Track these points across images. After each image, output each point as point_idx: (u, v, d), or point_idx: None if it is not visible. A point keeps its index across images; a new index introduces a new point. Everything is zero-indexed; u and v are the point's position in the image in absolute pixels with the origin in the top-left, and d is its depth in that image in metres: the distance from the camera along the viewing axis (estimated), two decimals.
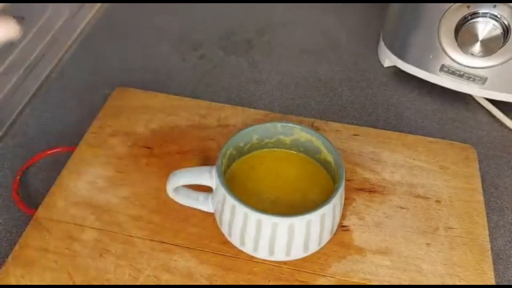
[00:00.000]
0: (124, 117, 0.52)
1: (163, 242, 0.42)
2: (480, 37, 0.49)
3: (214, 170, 0.40)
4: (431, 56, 0.55)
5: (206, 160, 0.49)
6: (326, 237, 0.41)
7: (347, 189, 0.46)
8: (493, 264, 0.42)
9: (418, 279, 0.41)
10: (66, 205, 0.45)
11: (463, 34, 0.50)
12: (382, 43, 0.61)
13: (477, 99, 0.58)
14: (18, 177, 0.49)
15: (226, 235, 0.41)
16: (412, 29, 0.54)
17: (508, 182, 0.50)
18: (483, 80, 0.53)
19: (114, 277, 0.40)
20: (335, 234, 0.42)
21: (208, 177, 0.40)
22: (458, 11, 0.50)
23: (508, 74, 0.52)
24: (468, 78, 0.54)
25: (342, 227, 0.44)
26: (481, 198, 0.46)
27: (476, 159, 0.49)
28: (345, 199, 0.45)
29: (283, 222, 0.37)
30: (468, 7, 0.49)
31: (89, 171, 0.47)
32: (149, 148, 0.49)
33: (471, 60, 0.52)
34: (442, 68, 0.55)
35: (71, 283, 0.40)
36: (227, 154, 0.42)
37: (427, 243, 0.43)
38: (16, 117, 0.55)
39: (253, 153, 0.45)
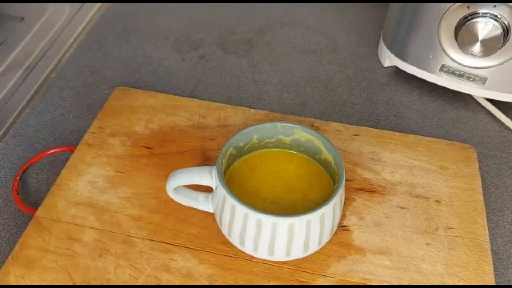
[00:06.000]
0: (124, 117, 0.52)
1: (163, 242, 0.43)
2: (480, 37, 0.49)
3: (214, 170, 0.40)
4: (431, 56, 0.55)
5: (206, 160, 0.49)
6: (326, 237, 0.41)
7: (347, 189, 0.46)
8: (493, 264, 0.42)
9: (418, 279, 0.41)
10: (66, 205, 0.45)
11: (463, 34, 0.50)
12: (382, 43, 0.61)
13: (477, 99, 0.58)
14: (18, 177, 0.49)
15: (226, 235, 0.41)
16: (412, 29, 0.54)
17: (508, 182, 0.50)
18: (483, 80, 0.53)
19: (114, 277, 0.40)
20: (335, 234, 0.42)
21: (208, 177, 0.40)
22: (458, 11, 0.50)
23: (508, 74, 0.52)
24: (468, 78, 0.54)
25: (342, 227, 0.44)
26: (481, 198, 0.46)
27: (476, 159, 0.49)
28: (345, 199, 0.45)
29: (283, 222, 0.37)
30: (468, 7, 0.49)
31: (89, 171, 0.47)
32: (149, 148, 0.49)
33: (471, 60, 0.52)
34: (442, 68, 0.55)
35: (71, 283, 0.40)
36: (227, 154, 0.42)
37: (427, 243, 0.43)
38: (16, 117, 0.55)
39: (253, 153, 0.45)
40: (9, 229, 0.46)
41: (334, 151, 0.42)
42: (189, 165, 0.48)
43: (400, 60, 0.58)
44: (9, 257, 0.41)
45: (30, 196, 0.48)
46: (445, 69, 0.54)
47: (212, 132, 0.51)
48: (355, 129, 0.52)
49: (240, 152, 0.44)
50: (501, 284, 0.43)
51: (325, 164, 0.44)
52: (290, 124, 0.44)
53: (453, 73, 0.54)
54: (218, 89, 0.59)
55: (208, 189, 0.41)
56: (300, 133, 0.44)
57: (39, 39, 0.64)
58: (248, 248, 0.40)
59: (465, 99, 0.59)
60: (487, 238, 0.43)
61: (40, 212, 0.44)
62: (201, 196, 0.43)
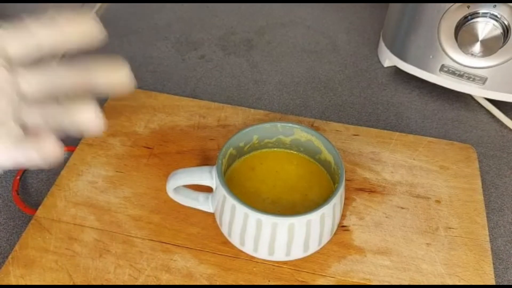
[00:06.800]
0: (124, 117, 0.52)
1: (163, 242, 0.42)
2: (480, 37, 0.49)
3: (214, 170, 0.40)
4: (431, 56, 0.55)
5: (206, 160, 0.49)
6: (326, 237, 0.41)
7: (347, 189, 0.46)
8: (493, 264, 0.42)
9: (418, 279, 0.41)
10: (66, 205, 0.45)
11: (463, 34, 0.50)
12: (382, 43, 0.61)
13: (477, 99, 0.58)
14: (18, 177, 0.49)
15: (226, 235, 0.41)
16: (412, 29, 0.54)
17: (508, 182, 0.50)
18: (483, 80, 0.53)
19: (114, 277, 0.40)
20: (335, 234, 0.42)
21: (208, 177, 0.40)
22: (458, 11, 0.50)
23: (508, 74, 0.52)
24: (468, 78, 0.54)
25: (342, 227, 0.44)
26: (481, 198, 0.46)
27: (476, 159, 0.49)
28: (345, 199, 0.45)
29: (283, 222, 0.37)
30: (468, 7, 0.49)
31: (89, 171, 0.47)
32: (149, 148, 0.49)
33: (471, 60, 0.52)
34: (442, 68, 0.55)
35: (71, 283, 0.40)
36: (227, 154, 0.42)
37: (427, 243, 0.43)
38: None
39: (253, 153, 0.45)
40: (9, 229, 0.46)
41: (334, 151, 0.42)
42: (189, 165, 0.48)
43: (400, 60, 0.58)
44: (9, 257, 0.41)
45: (30, 196, 0.48)
46: (445, 69, 0.54)
47: (212, 132, 0.51)
48: (355, 129, 0.52)
49: (240, 152, 0.44)
50: (501, 284, 0.43)
51: (325, 164, 0.44)
52: (290, 124, 0.44)
53: (453, 73, 0.54)
54: (218, 89, 0.59)
55: (208, 189, 0.41)
56: (300, 133, 0.44)
57: None
58: (248, 248, 0.40)
59: (465, 99, 0.59)
60: (487, 238, 0.43)
61: (40, 212, 0.44)
62: (201, 196, 0.43)
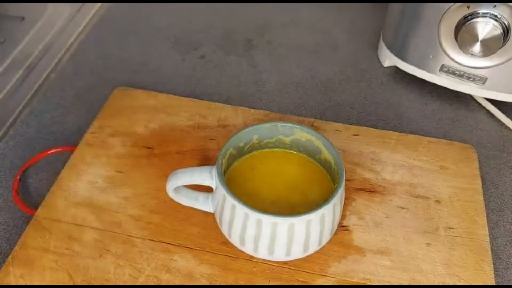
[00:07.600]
0: (124, 117, 0.52)
1: (163, 242, 0.43)
2: (480, 37, 0.49)
3: (214, 170, 0.40)
4: (431, 56, 0.55)
5: (206, 160, 0.49)
6: (326, 237, 0.41)
7: (347, 189, 0.46)
8: (493, 264, 0.42)
9: (418, 279, 0.41)
10: (66, 205, 0.45)
11: (463, 34, 0.50)
12: (382, 43, 0.61)
13: (477, 99, 0.58)
14: (18, 177, 0.49)
15: (226, 235, 0.41)
16: (412, 29, 0.54)
17: (508, 182, 0.50)
18: (483, 80, 0.53)
19: (114, 277, 0.40)
20: (335, 234, 0.42)
21: (208, 177, 0.40)
22: (458, 11, 0.50)
23: (508, 74, 0.52)
24: (468, 78, 0.54)
25: (342, 227, 0.44)
26: (481, 198, 0.46)
27: (476, 159, 0.49)
28: (345, 199, 0.45)
29: (283, 222, 0.37)
30: (468, 7, 0.49)
31: (89, 171, 0.47)
32: (149, 148, 0.49)
33: (471, 60, 0.52)
34: (442, 68, 0.55)
35: (71, 283, 0.40)
36: (227, 154, 0.42)
37: (427, 243, 0.43)
38: (16, 117, 0.55)
39: (253, 153, 0.45)
40: (9, 229, 0.46)
41: (334, 151, 0.42)
42: (189, 165, 0.48)
43: (400, 60, 0.58)
44: (9, 257, 0.41)
45: (30, 196, 0.48)
46: (445, 69, 0.54)
47: (212, 132, 0.51)
48: (355, 129, 0.52)
49: (240, 152, 0.44)
50: (501, 284, 0.43)
51: (325, 164, 0.44)
52: (290, 124, 0.44)
53: (453, 73, 0.54)
54: (218, 89, 0.59)
55: (208, 189, 0.41)
56: (300, 133, 0.44)
57: (39, 39, 0.64)
58: (248, 248, 0.40)
59: (465, 99, 0.59)
60: (487, 238, 0.43)
61: (40, 212, 0.44)
62: (201, 196, 0.43)
